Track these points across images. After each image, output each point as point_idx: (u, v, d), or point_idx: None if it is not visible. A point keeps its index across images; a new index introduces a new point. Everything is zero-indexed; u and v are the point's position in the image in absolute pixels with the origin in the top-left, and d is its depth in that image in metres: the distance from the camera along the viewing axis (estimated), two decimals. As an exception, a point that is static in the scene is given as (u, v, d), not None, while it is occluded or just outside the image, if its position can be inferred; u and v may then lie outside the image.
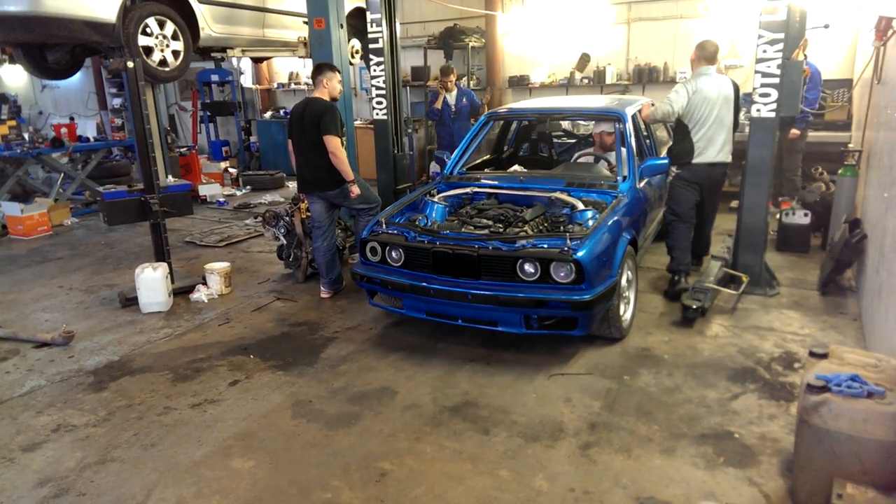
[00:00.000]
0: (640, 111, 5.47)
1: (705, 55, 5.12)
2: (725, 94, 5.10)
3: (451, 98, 8.10)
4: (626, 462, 3.14)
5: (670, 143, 6.43)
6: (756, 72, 4.91)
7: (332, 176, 5.28)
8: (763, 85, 4.88)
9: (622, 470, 3.09)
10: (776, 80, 4.84)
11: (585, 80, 10.18)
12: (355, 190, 5.35)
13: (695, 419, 3.49)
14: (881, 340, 3.65)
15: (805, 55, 5.41)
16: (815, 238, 6.42)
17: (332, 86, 5.31)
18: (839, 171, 6.01)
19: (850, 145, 6.91)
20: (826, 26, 6.12)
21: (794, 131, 6.94)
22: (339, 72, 5.47)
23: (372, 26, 6.32)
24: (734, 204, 6.54)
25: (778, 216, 6.36)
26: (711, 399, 3.69)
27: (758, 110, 4.96)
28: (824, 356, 2.92)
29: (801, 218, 6.17)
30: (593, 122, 6.25)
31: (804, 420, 2.65)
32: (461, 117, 8.12)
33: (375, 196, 5.73)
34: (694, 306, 4.65)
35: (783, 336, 4.47)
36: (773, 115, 4.92)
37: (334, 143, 5.15)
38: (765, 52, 4.83)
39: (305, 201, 5.81)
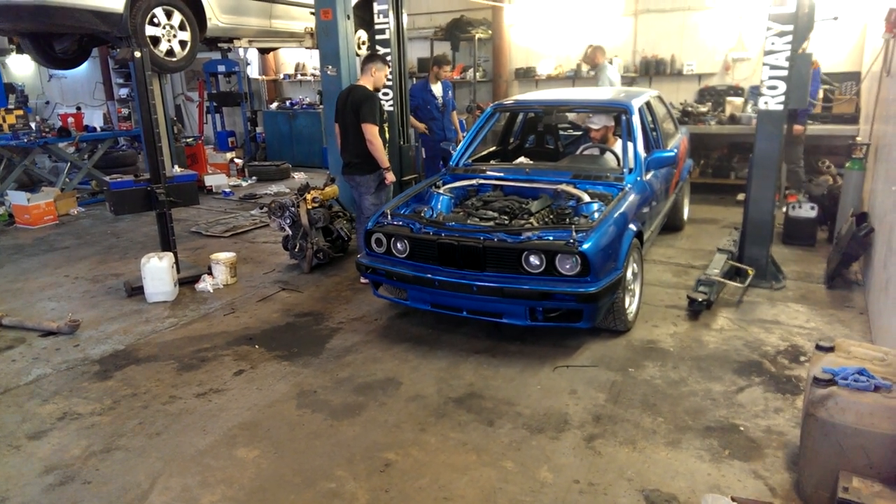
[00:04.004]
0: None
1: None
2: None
3: (438, 90, 7.78)
4: (631, 454, 3.14)
5: (678, 134, 6.46)
6: (764, 64, 4.88)
7: (369, 163, 5.36)
8: (771, 77, 4.85)
9: (627, 462, 3.09)
10: (784, 73, 4.80)
11: (592, 73, 10.07)
12: (390, 177, 5.44)
13: (700, 412, 3.48)
14: (888, 334, 3.63)
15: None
16: (822, 231, 6.39)
17: (378, 76, 5.44)
18: (846, 165, 5.98)
19: (858, 138, 6.86)
20: (835, 18, 6.07)
21: (798, 127, 6.84)
22: (389, 66, 5.55)
23: (379, 17, 6.30)
24: (740, 197, 6.52)
25: (784, 209, 6.33)
26: (717, 392, 3.68)
27: (765, 103, 4.93)
28: (831, 349, 2.91)
29: (808, 211, 6.14)
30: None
31: (810, 413, 2.65)
32: (448, 110, 7.84)
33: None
34: (700, 299, 4.64)
35: (789, 329, 4.46)
36: (780, 107, 4.89)
37: (371, 132, 5.22)
38: (773, 44, 4.79)
39: (312, 192, 5.81)
